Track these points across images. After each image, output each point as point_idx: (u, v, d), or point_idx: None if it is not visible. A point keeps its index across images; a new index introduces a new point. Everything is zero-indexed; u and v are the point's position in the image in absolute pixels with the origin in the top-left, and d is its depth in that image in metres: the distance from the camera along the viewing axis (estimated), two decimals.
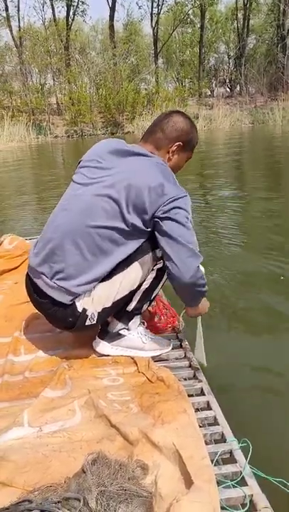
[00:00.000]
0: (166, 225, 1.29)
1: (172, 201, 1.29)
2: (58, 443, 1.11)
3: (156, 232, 1.32)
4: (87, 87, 20.55)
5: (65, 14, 22.26)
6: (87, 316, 1.40)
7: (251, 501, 0.97)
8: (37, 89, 20.77)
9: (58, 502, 0.91)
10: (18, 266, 2.23)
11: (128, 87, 19.54)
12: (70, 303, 1.37)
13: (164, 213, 1.29)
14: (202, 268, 1.33)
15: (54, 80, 21.98)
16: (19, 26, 22.19)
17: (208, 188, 6.35)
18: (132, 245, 1.36)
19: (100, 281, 1.38)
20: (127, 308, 1.46)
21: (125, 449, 1.08)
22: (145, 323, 1.59)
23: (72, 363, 1.47)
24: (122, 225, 1.32)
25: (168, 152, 1.44)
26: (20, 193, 6.70)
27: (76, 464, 1.01)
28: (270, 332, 2.24)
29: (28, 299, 1.50)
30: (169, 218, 1.29)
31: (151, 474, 1.01)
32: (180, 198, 1.30)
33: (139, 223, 1.32)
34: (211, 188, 6.32)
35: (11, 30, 21.62)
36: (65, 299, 1.37)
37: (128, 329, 1.50)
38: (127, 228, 1.32)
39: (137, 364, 1.46)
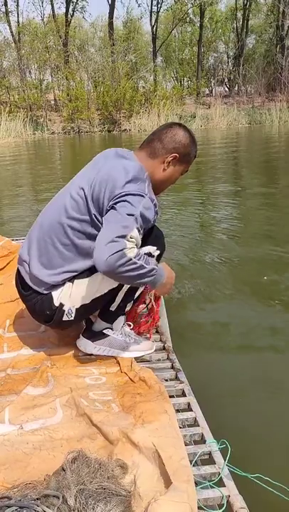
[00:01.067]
0: (107, 214, 1.29)
1: (124, 195, 1.28)
2: (39, 441, 1.11)
3: None
4: (85, 84, 20.47)
5: (65, 10, 22.16)
6: (64, 311, 1.41)
7: (228, 502, 0.98)
8: (35, 85, 20.67)
9: (37, 499, 0.91)
10: (4, 267, 2.20)
11: (126, 85, 19.47)
12: (46, 292, 1.40)
13: (110, 205, 1.29)
14: (130, 253, 1.21)
15: (52, 76, 21.88)
16: (18, 21, 22.09)
17: (203, 187, 6.36)
18: None
19: (79, 278, 1.39)
20: (111, 308, 1.47)
21: (105, 448, 1.09)
22: (131, 325, 1.60)
23: (55, 361, 1.47)
24: (88, 218, 1.35)
25: (163, 162, 1.42)
26: (13, 192, 6.64)
27: (56, 462, 1.02)
28: (249, 336, 2.26)
29: (13, 299, 1.51)
30: (112, 207, 1.28)
31: (130, 474, 1.01)
32: (134, 194, 1.28)
33: (98, 216, 1.34)
34: (206, 187, 6.33)
35: (9, 25, 21.49)
36: (40, 289, 1.41)
37: (112, 329, 1.51)
38: (91, 221, 1.35)
39: (119, 364, 1.46)
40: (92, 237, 1.34)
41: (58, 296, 1.40)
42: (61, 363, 1.47)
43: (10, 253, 2.27)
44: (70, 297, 1.40)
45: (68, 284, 1.40)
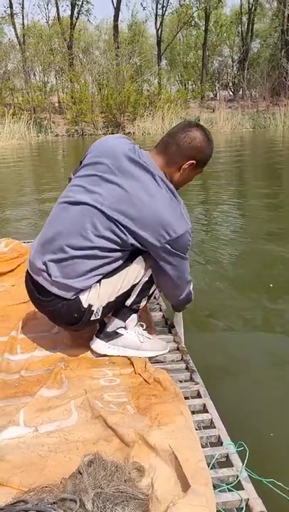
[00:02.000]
0: (167, 262, 1.38)
1: (176, 239, 1.32)
2: (54, 443, 1.10)
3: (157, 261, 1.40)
4: (90, 87, 20.54)
5: (70, 13, 22.27)
6: (92, 311, 1.40)
7: (247, 505, 0.97)
8: (39, 88, 20.76)
9: (54, 503, 0.90)
10: (15, 268, 2.20)
11: (130, 88, 19.52)
12: (74, 297, 1.37)
13: (166, 250, 1.33)
14: (191, 286, 1.57)
15: (56, 78, 21.98)
16: (23, 24, 22.22)
17: (208, 191, 6.35)
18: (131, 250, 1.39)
19: (106, 277, 1.38)
20: (126, 303, 1.46)
21: (121, 450, 1.07)
22: (144, 325, 1.59)
23: (68, 363, 1.46)
24: (120, 242, 1.33)
25: (180, 169, 1.39)
26: (17, 194, 6.61)
27: (72, 464, 1.01)
28: (267, 336, 2.25)
29: (25, 300, 1.49)
30: (169, 258, 1.36)
31: (147, 476, 1.00)
32: (184, 234, 1.33)
33: (138, 245, 1.35)
34: (210, 192, 6.32)
35: (14, 28, 21.62)
36: (67, 294, 1.37)
37: (125, 328, 1.50)
38: (123, 244, 1.34)
39: (133, 365, 1.45)
40: (120, 252, 1.35)
41: (86, 299, 1.38)
42: (75, 364, 1.46)
43: (20, 255, 2.28)
44: (99, 297, 1.39)
45: (96, 285, 1.38)
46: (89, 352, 1.53)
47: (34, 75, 22.01)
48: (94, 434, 1.13)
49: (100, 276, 1.38)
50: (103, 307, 1.41)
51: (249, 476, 1.05)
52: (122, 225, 1.30)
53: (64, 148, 14.89)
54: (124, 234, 1.31)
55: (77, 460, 1.02)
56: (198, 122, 1.46)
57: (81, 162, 1.46)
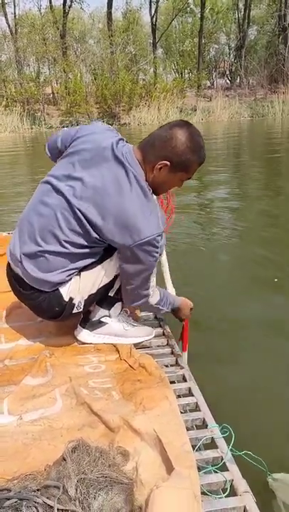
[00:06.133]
0: (131, 265, 1.31)
1: (141, 244, 1.24)
2: (38, 431, 1.10)
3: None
4: (83, 77, 20.27)
5: (62, 1, 21.88)
6: (74, 304, 1.38)
7: (232, 486, 0.98)
8: (32, 79, 20.46)
9: (37, 490, 0.90)
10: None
11: (125, 77, 19.27)
12: (53, 290, 1.35)
13: (130, 250, 1.26)
14: (152, 301, 1.46)
15: (50, 69, 21.69)
16: (14, 13, 21.87)
17: (204, 184, 6.30)
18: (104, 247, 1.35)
19: (86, 270, 1.36)
20: (109, 294, 1.45)
21: (106, 436, 1.08)
22: (128, 311, 1.59)
23: (53, 351, 1.46)
24: (88, 238, 1.29)
25: (153, 168, 1.29)
26: (9, 189, 6.44)
27: (56, 452, 1.00)
28: (253, 321, 2.25)
29: (9, 289, 1.46)
30: (132, 258, 1.28)
31: (132, 461, 1.00)
32: (150, 239, 1.24)
33: (100, 238, 1.29)
34: (207, 184, 6.28)
35: (6, 17, 21.27)
36: (44, 287, 1.35)
37: (110, 316, 1.49)
38: (90, 240, 1.30)
39: (119, 351, 1.45)
40: (94, 247, 1.31)
41: (67, 292, 1.35)
42: (60, 352, 1.46)
43: (3, 246, 2.25)
44: (80, 290, 1.36)
45: (76, 278, 1.36)
46: (74, 340, 1.53)
47: (28, 65, 21.74)
48: (79, 421, 1.13)
49: (76, 271, 1.34)
50: (85, 300, 1.39)
51: (233, 455, 1.05)
52: (90, 221, 1.26)
53: None
54: (93, 229, 1.27)
55: (61, 447, 1.01)
56: (190, 123, 1.33)
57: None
